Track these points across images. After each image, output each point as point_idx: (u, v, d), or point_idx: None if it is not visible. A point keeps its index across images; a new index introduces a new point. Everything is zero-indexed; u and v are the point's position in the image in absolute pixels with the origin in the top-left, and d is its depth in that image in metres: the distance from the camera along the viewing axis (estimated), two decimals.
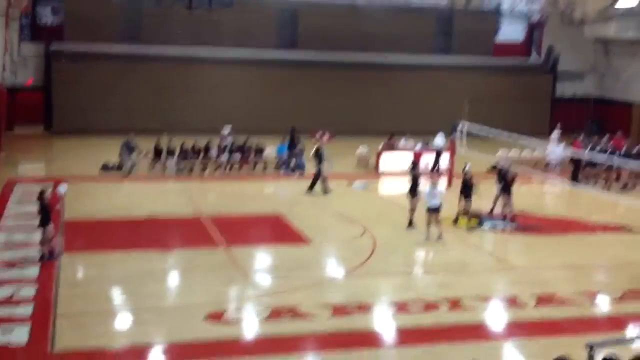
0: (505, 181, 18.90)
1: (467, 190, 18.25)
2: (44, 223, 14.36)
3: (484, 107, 34.06)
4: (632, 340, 10.72)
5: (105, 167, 24.23)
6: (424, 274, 15.10)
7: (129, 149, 24.21)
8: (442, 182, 22.14)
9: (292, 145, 25.66)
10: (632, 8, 33.50)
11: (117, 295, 12.93)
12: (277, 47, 36.04)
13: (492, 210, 19.19)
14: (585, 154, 22.96)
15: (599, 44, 39.57)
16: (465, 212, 18.15)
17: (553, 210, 21.03)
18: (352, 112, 34.87)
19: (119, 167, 24.09)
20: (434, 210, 16.70)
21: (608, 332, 11.29)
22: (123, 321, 11.73)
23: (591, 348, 6.47)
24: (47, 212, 14.47)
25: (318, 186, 21.92)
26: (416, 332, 11.45)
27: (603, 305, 13.11)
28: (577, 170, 23.90)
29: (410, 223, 17.74)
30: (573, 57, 38.87)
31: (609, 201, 21.06)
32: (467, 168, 18.64)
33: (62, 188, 16.24)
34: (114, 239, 16.52)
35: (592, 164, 23.49)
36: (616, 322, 12.16)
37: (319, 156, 22.16)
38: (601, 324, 12.23)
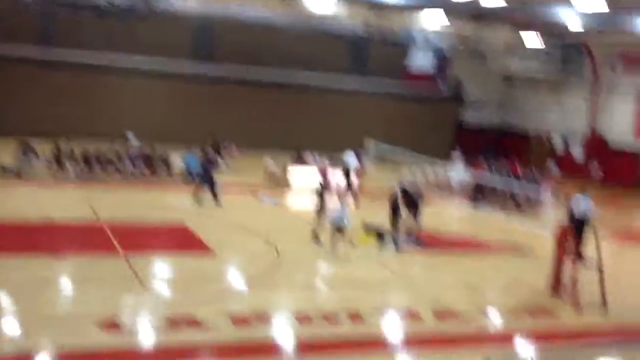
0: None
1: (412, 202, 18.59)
2: None
3: (392, 130, 35.01)
4: (525, 355, 11.08)
5: (1, 169, 23.18)
6: (325, 287, 15.10)
7: (26, 151, 23.27)
8: (350, 200, 22.40)
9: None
10: (536, 48, 35.20)
11: (7, 302, 12.25)
12: (192, 59, 35.73)
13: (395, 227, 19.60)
14: (487, 177, 23.87)
15: (503, 79, 41.37)
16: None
17: (454, 230, 21.59)
18: (262, 127, 34.94)
19: (16, 170, 23.09)
20: (338, 228, 16.83)
21: (501, 346, 11.63)
22: (12, 328, 11.11)
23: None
24: None
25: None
26: (316, 343, 11.42)
27: (496, 321, 13.49)
28: (478, 192, 24.73)
29: (317, 237, 17.84)
30: (478, 88, 40.44)
31: (505, 223, 21.85)
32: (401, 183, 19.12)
33: None
34: (6, 243, 15.74)
35: (492, 188, 24.41)
36: (507, 337, 12.54)
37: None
38: (494, 338, 12.57)
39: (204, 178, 21.84)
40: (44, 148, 23.96)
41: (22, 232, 16.88)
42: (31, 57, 32.13)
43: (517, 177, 25.50)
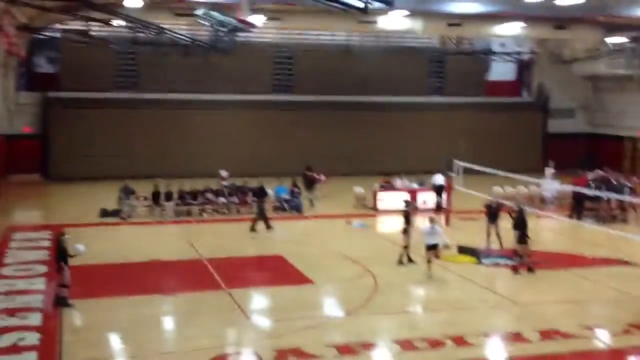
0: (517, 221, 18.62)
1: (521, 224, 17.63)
2: (62, 266, 14.31)
3: (477, 145, 34.50)
4: None
5: (104, 213, 24.25)
6: (426, 311, 15.07)
7: (126, 193, 24.31)
8: (441, 220, 22.30)
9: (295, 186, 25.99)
10: (621, 44, 34.13)
11: (120, 342, 12.86)
12: (274, 91, 36.52)
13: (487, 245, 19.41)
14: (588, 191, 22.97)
15: (588, 81, 40.20)
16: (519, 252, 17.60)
17: (553, 246, 21.08)
18: (347, 153, 35.14)
19: (118, 212, 24.14)
20: (431, 248, 16.81)
21: None
22: None
23: None
24: (65, 255, 14.44)
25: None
26: None
27: (605, 339, 13.11)
28: (579, 206, 24.00)
29: (403, 260, 17.92)
30: (563, 94, 39.42)
31: (608, 235, 21.16)
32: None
33: (81, 247, 15.11)
34: (115, 283, 16.47)
35: (592, 199, 23.53)
36: (619, 356, 12.19)
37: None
38: (605, 357, 12.24)
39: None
40: (141, 190, 24.96)
41: (127, 273, 17.62)
42: (118, 99, 33.62)
43: (609, 185, 24.58)
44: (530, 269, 17.33)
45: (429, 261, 16.86)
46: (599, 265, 18.56)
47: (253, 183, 25.89)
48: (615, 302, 15.25)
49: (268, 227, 21.99)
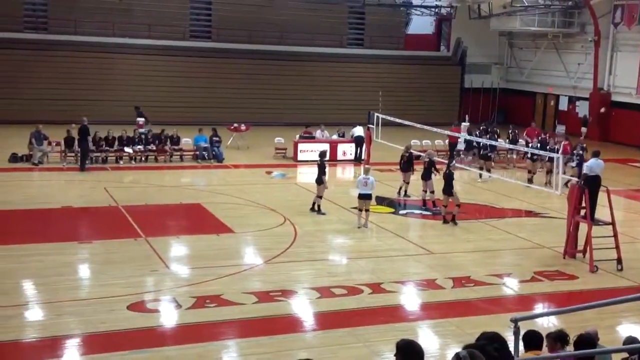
0: (426, 168, 19.53)
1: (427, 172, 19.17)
2: None
3: (396, 98, 34.97)
4: (553, 313, 11.37)
5: (14, 158, 23.35)
6: (344, 260, 15.34)
7: (38, 139, 23.43)
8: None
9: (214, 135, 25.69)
10: (535, 0, 34.95)
11: (34, 289, 12.55)
12: (191, 37, 35.77)
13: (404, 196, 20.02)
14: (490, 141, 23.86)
15: (503, 37, 41.17)
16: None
17: (467, 197, 21.73)
18: (267, 103, 34.94)
19: (29, 158, 23.28)
20: (364, 197, 17.08)
21: (520, 311, 11.89)
22: (41, 314, 11.42)
23: (515, 322, 6.79)
24: None
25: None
26: (339, 315, 11.70)
27: (514, 286, 13.75)
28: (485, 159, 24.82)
29: (315, 208, 18.26)
30: (480, 50, 40.25)
31: (515, 187, 22.02)
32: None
33: None
34: (27, 230, 16.03)
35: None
36: (526, 301, 12.83)
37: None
38: (513, 302, 12.84)
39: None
40: (53, 135, 24.12)
41: (40, 219, 17.12)
42: (31, 39, 32.22)
43: (532, 142, 25.53)
44: (454, 220, 17.88)
45: (360, 210, 17.13)
46: (510, 216, 19.34)
47: (170, 131, 25.51)
48: (524, 251, 15.96)
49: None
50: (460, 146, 26.96)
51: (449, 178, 17.91)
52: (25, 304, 11.72)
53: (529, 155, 23.63)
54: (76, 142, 23.42)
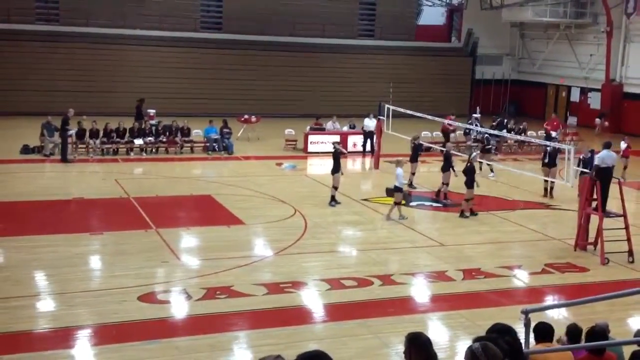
0: (446, 160, 19.38)
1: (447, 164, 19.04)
2: None
3: (407, 89, 34.87)
4: (564, 305, 11.33)
5: (25, 149, 23.47)
6: (354, 251, 15.34)
7: (49, 130, 23.51)
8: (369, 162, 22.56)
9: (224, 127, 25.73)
10: None
11: (46, 279, 12.64)
12: (202, 29, 35.79)
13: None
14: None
15: (515, 28, 40.92)
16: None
17: (478, 189, 21.62)
18: (277, 94, 34.92)
19: (40, 149, 23.39)
20: (397, 190, 17.14)
21: (531, 303, 11.85)
22: (52, 304, 11.49)
23: (526, 314, 6.76)
24: None
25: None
26: (349, 306, 11.71)
27: (524, 278, 13.71)
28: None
29: (333, 200, 18.19)
30: (491, 41, 40.03)
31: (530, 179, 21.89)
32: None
33: None
34: (40, 221, 16.11)
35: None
36: (536, 293, 12.79)
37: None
38: (523, 295, 12.81)
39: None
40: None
41: (52, 210, 17.20)
42: (42, 31, 32.29)
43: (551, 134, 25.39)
44: (472, 212, 17.84)
45: (397, 203, 17.19)
46: (521, 207, 19.26)
47: (181, 123, 25.55)
48: (535, 243, 15.90)
49: None
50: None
51: (470, 172, 17.85)
52: (37, 294, 11.80)
53: (546, 157, 20.69)
54: (56, 134, 23.22)
